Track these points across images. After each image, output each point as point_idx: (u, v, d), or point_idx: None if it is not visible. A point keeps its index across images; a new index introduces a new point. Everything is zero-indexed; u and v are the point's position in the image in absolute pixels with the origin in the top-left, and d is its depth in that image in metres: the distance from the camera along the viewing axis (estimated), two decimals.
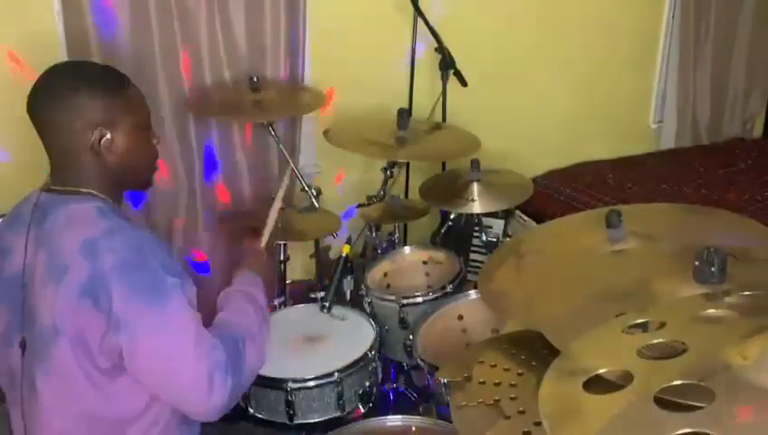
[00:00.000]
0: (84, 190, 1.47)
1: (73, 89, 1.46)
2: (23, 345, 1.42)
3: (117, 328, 1.35)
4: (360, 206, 2.66)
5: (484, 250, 2.71)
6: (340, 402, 1.89)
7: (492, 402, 1.31)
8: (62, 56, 2.49)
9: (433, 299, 2.15)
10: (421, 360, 1.95)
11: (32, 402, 1.45)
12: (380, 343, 2.06)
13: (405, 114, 2.52)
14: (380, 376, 2.05)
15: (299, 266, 3.02)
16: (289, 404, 1.85)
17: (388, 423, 1.80)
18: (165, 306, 1.39)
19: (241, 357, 1.47)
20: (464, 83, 2.87)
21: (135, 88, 1.55)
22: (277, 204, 2.03)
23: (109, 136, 1.46)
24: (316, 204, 2.58)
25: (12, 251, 1.48)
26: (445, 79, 2.88)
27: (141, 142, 1.54)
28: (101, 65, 1.55)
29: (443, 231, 2.71)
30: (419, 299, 2.15)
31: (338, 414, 1.90)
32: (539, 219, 2.91)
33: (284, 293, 2.61)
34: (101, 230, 1.40)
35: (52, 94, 1.47)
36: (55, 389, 1.43)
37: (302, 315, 2.18)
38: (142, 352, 1.38)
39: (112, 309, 1.35)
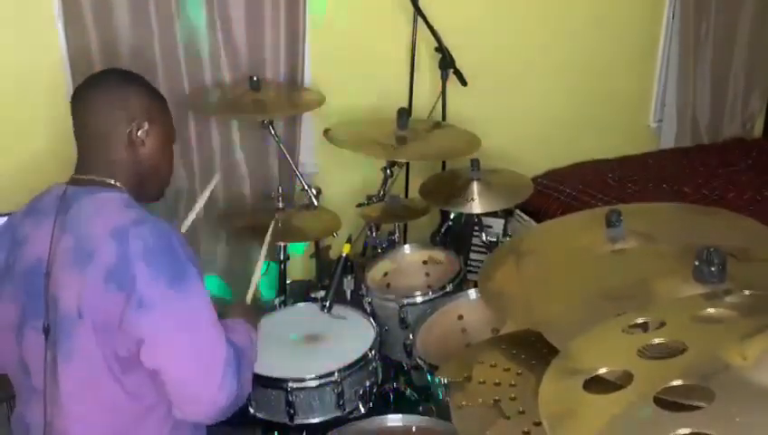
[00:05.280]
0: (110, 182, 1.53)
1: (126, 82, 1.59)
2: (46, 331, 1.44)
3: (138, 308, 1.38)
4: (360, 205, 2.66)
5: (483, 250, 2.71)
6: (341, 402, 1.89)
7: (492, 402, 1.31)
8: (62, 57, 2.49)
9: (433, 299, 2.15)
10: (421, 359, 1.95)
11: (53, 389, 1.46)
12: (380, 343, 2.06)
13: (405, 114, 2.53)
14: (380, 376, 2.05)
15: (299, 266, 3.02)
16: (289, 404, 1.85)
17: (389, 423, 1.80)
18: (188, 292, 1.43)
19: (241, 365, 1.50)
20: (463, 83, 2.87)
21: (170, 112, 1.68)
22: (262, 257, 2.01)
23: (147, 127, 1.56)
24: (316, 203, 2.59)
25: (28, 241, 1.50)
26: (444, 78, 2.88)
27: (167, 151, 1.65)
28: None
29: (443, 231, 2.71)
30: (419, 299, 2.15)
31: (338, 414, 1.90)
32: (539, 219, 2.91)
33: (284, 292, 2.61)
34: (131, 219, 1.45)
35: (103, 83, 1.59)
36: (77, 375, 1.45)
37: (302, 315, 2.18)
38: (162, 333, 1.40)
39: (135, 289, 1.38)
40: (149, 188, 1.63)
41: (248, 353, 1.59)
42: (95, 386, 1.45)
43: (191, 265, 1.45)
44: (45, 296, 1.44)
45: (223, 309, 1.77)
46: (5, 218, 1.62)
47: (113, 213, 1.46)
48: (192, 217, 1.93)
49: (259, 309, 1.94)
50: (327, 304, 2.09)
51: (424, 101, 2.98)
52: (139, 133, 1.55)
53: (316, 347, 2.02)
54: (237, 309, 1.81)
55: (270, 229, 2.11)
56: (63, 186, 1.53)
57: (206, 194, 1.98)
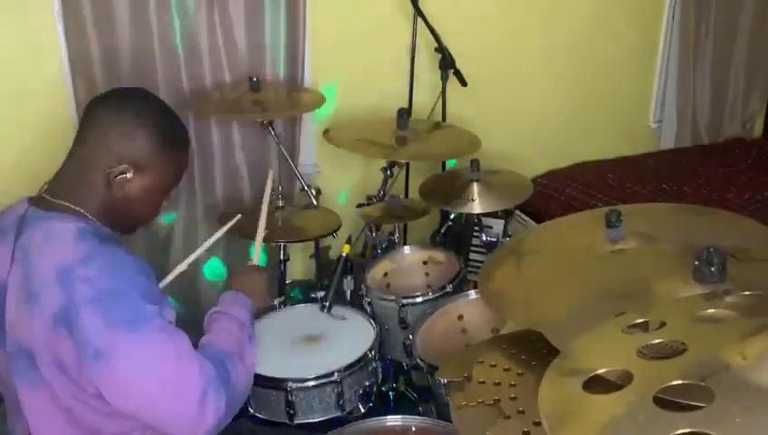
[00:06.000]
0: (74, 207, 1.44)
1: (141, 117, 1.46)
2: (9, 358, 1.40)
3: (95, 359, 1.31)
4: (360, 206, 2.66)
5: (483, 250, 2.71)
6: (341, 402, 1.89)
7: (492, 402, 1.31)
8: (62, 57, 2.50)
9: (433, 299, 2.15)
10: (421, 360, 1.95)
11: (20, 414, 1.44)
12: (380, 343, 2.06)
13: (405, 114, 2.52)
14: (380, 376, 2.05)
15: (299, 266, 3.03)
16: (289, 404, 1.85)
17: (389, 423, 1.80)
18: (145, 332, 1.34)
19: (229, 375, 1.44)
20: (463, 83, 2.87)
21: (186, 157, 1.56)
22: (264, 215, 1.99)
23: (129, 176, 1.45)
24: (316, 204, 2.59)
25: None
26: (444, 79, 2.88)
27: (152, 200, 1.53)
28: (180, 120, 1.56)
29: (443, 231, 2.71)
30: (419, 299, 2.15)
31: (338, 414, 1.90)
32: (539, 219, 2.92)
33: (284, 293, 2.62)
34: (77, 256, 1.35)
35: (120, 105, 1.47)
36: (41, 405, 1.40)
37: (302, 315, 2.18)
38: (122, 381, 1.33)
39: (87, 339, 1.30)
40: (120, 224, 1.51)
41: (243, 349, 1.53)
42: (61, 410, 1.40)
43: (146, 303, 1.35)
44: (2, 324, 1.40)
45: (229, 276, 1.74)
46: None
47: (61, 247, 1.36)
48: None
49: (266, 271, 1.86)
50: (327, 304, 2.09)
51: (424, 101, 2.99)
52: (118, 178, 1.44)
53: (316, 347, 2.02)
54: (242, 278, 1.76)
55: (269, 182, 2.06)
56: (26, 205, 1.45)
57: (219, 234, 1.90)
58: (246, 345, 1.56)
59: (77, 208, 1.44)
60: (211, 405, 1.37)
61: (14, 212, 1.47)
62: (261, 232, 1.95)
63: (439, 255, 2.41)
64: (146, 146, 1.45)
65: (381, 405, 2.14)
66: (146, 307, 1.35)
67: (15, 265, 1.38)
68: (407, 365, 2.26)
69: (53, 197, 1.45)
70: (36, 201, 1.46)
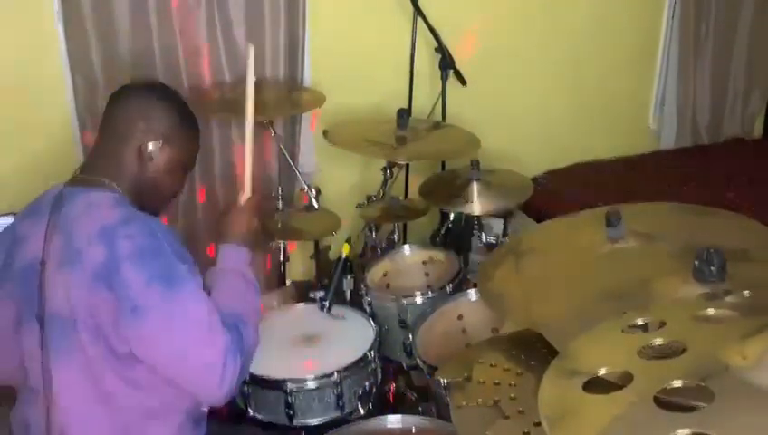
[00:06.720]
0: (107, 182, 1.53)
1: (162, 98, 1.63)
2: (42, 328, 1.45)
3: (132, 313, 1.38)
4: (359, 205, 2.66)
5: (483, 250, 2.71)
6: (340, 403, 1.89)
7: (491, 403, 1.31)
8: (62, 56, 2.49)
9: (432, 299, 2.15)
10: (421, 360, 1.95)
11: (49, 388, 1.47)
12: (380, 344, 2.06)
13: (404, 114, 2.52)
14: (380, 376, 2.05)
15: (298, 266, 3.02)
16: (289, 405, 1.85)
17: (388, 424, 1.80)
18: (179, 292, 1.42)
19: (242, 338, 1.50)
20: (463, 83, 2.87)
21: (198, 141, 1.70)
22: (249, 130, 1.76)
23: (159, 146, 1.57)
24: (315, 204, 2.58)
25: (27, 240, 1.52)
26: (444, 78, 2.88)
27: (174, 176, 1.64)
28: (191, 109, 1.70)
29: (442, 231, 2.71)
30: (419, 299, 2.15)
31: (337, 415, 1.90)
32: (539, 219, 2.91)
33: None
34: (118, 218, 1.45)
35: (142, 90, 1.66)
36: (72, 374, 1.46)
37: (301, 315, 2.17)
38: (156, 337, 1.41)
39: (127, 293, 1.39)
40: (146, 202, 1.60)
41: (250, 310, 1.58)
42: (93, 383, 1.46)
43: (180, 263, 1.45)
44: (40, 295, 1.45)
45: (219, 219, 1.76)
46: (11, 218, 1.64)
47: (102, 211, 1.47)
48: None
49: (257, 211, 1.76)
50: (326, 304, 2.09)
51: (424, 101, 2.98)
52: (150, 148, 1.57)
53: (316, 347, 2.01)
54: (230, 219, 1.70)
55: (250, 56, 1.77)
56: (61, 185, 1.54)
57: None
58: (253, 304, 1.61)
59: (111, 183, 1.54)
60: (229, 370, 1.44)
61: (48, 194, 1.56)
62: (249, 151, 1.76)
63: (439, 254, 2.41)
64: (171, 119, 1.60)
65: (381, 405, 2.14)
66: (181, 266, 1.45)
67: (57, 235, 1.46)
68: (406, 365, 2.25)
69: (87, 174, 1.56)
70: (71, 181, 1.56)
